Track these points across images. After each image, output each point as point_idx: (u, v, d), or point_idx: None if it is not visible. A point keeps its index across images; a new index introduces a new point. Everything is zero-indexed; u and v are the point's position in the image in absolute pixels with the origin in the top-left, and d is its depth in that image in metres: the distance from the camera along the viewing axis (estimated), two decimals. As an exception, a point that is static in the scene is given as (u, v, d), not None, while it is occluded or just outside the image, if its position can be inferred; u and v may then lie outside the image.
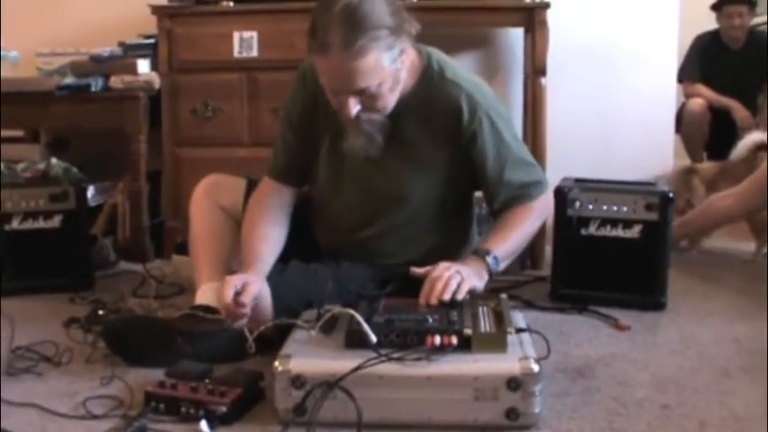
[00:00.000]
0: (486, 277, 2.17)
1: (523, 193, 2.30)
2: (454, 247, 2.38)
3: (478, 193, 2.42)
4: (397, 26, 2.06)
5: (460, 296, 2.04)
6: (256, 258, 2.21)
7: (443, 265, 2.10)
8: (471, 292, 2.08)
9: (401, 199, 2.31)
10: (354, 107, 2.10)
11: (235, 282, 2.07)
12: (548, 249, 3.08)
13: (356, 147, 2.23)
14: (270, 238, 2.29)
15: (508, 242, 2.26)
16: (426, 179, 2.30)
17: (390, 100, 2.16)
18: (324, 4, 2.04)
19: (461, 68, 2.33)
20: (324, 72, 2.08)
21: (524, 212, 2.30)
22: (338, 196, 2.38)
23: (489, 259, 2.18)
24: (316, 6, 2.06)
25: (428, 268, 2.10)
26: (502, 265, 2.23)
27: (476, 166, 2.28)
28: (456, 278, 2.05)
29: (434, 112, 2.24)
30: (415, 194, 2.31)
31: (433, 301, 2.01)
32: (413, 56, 2.22)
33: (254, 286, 2.08)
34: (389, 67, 2.07)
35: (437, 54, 2.30)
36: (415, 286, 2.14)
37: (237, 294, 2.05)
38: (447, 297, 2.01)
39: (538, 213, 2.34)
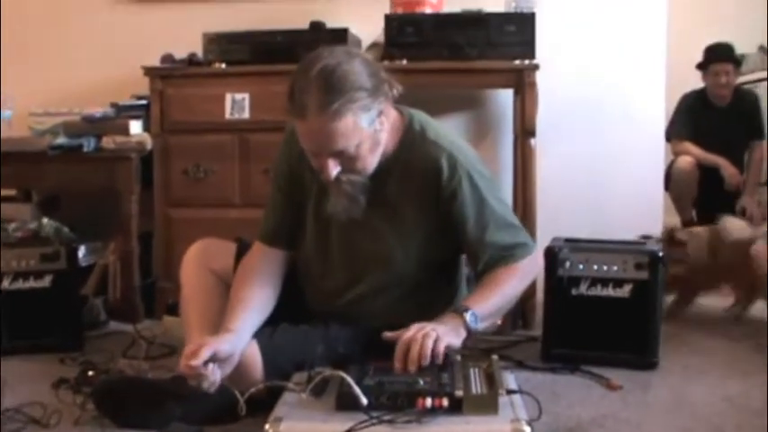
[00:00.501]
0: (463, 334, 2.13)
1: (507, 255, 2.28)
2: (442, 307, 2.34)
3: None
4: (376, 88, 2.07)
5: (439, 358, 2.01)
6: (227, 325, 2.17)
7: (416, 326, 2.07)
8: (447, 352, 2.04)
9: (385, 260, 2.31)
10: (334, 169, 2.11)
11: (189, 348, 2.05)
12: (539, 309, 3.08)
13: (338, 208, 2.24)
14: (249, 303, 2.25)
15: (489, 301, 2.23)
16: (409, 240, 2.30)
17: (370, 161, 2.16)
18: (302, 66, 2.06)
19: (444, 129, 2.34)
20: (302, 135, 2.09)
21: (507, 273, 2.27)
22: (323, 258, 2.38)
23: (467, 316, 2.14)
24: (294, 69, 2.08)
25: (400, 332, 2.07)
26: (481, 325, 2.18)
27: (456, 226, 2.27)
28: (431, 337, 2.02)
29: (415, 173, 2.24)
30: (398, 256, 2.30)
31: (411, 367, 1.99)
32: (394, 117, 2.23)
33: (205, 349, 2.01)
34: (367, 128, 2.08)
35: (419, 115, 2.31)
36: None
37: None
38: (425, 362, 1.99)
39: (522, 275, 2.31)
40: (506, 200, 2.45)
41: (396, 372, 2.00)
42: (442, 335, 2.04)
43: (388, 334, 2.08)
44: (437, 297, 2.38)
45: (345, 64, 2.03)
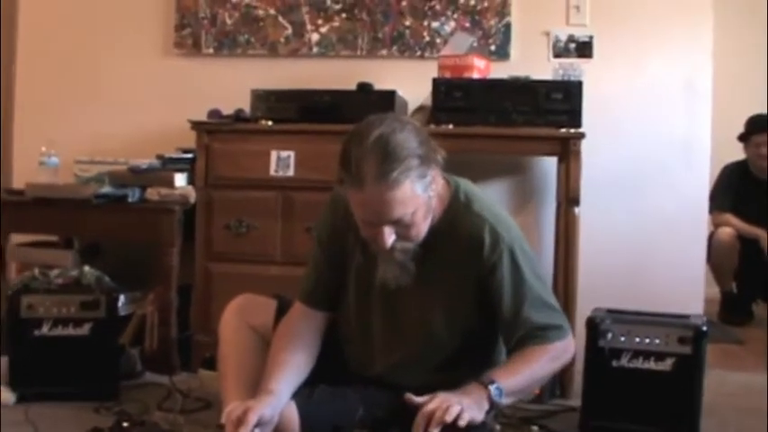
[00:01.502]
0: (485, 407, 2.06)
1: (540, 335, 2.21)
2: None
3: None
4: (427, 155, 2.07)
5: (462, 423, 1.95)
6: (267, 385, 2.17)
7: (441, 396, 2.02)
8: (469, 426, 1.99)
9: (425, 329, 2.28)
10: (390, 237, 2.09)
11: (234, 414, 2.04)
12: (577, 378, 3.04)
13: (388, 275, 2.23)
14: (289, 365, 2.24)
15: (516, 376, 2.16)
16: (450, 310, 2.27)
17: (423, 228, 2.15)
18: (355, 136, 2.06)
19: (489, 201, 2.32)
20: (358, 204, 2.08)
21: (539, 352, 2.20)
22: (364, 322, 2.36)
23: (492, 389, 2.07)
24: (346, 138, 2.08)
25: (424, 398, 2.03)
26: (506, 400, 2.12)
27: (493, 300, 2.24)
28: (455, 408, 1.97)
29: (458, 244, 2.23)
30: (438, 325, 2.28)
31: (434, 428, 1.94)
32: (441, 184, 2.22)
33: (252, 415, 2.01)
34: (423, 195, 2.07)
35: (465, 184, 2.31)
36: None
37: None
38: (449, 419, 1.94)
39: (553, 356, 2.23)
40: (546, 278, 2.42)
41: None
42: (465, 407, 1.99)
43: (410, 397, 2.05)
44: (476, 367, 2.34)
45: (399, 132, 2.03)
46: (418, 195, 2.06)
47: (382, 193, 2.01)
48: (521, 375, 2.16)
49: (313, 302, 2.38)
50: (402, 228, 2.10)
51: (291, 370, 2.24)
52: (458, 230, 2.22)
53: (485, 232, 2.20)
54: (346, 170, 2.03)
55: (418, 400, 2.03)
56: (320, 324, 2.38)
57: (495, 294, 2.23)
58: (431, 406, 1.99)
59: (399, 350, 2.31)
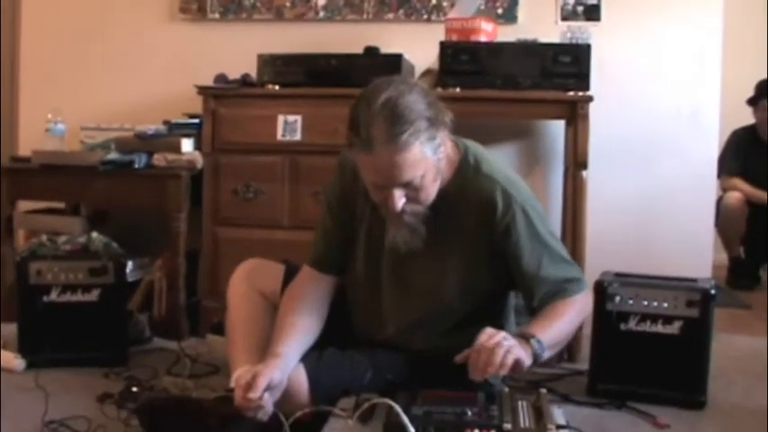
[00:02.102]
0: (528, 359, 2.03)
1: (562, 289, 2.24)
2: None
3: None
4: (436, 117, 2.07)
5: (506, 368, 1.94)
6: (275, 349, 2.17)
7: (488, 331, 2.01)
8: (515, 368, 1.97)
9: (435, 291, 2.30)
10: (400, 200, 2.09)
11: (243, 379, 2.04)
12: (585, 343, 3.04)
13: (398, 239, 2.23)
14: (297, 328, 2.25)
15: (551, 330, 2.15)
16: (459, 272, 2.28)
17: (432, 191, 2.16)
18: (364, 99, 2.06)
19: (497, 162, 2.32)
20: (368, 168, 2.08)
21: (565, 306, 2.22)
22: (373, 286, 2.37)
23: (534, 343, 2.06)
24: (354, 102, 2.07)
25: (469, 350, 2.00)
26: (546, 353, 2.10)
27: (510, 260, 2.25)
28: (502, 347, 1.96)
29: (469, 206, 2.23)
30: (448, 287, 2.29)
31: (479, 377, 1.95)
32: (449, 147, 2.22)
33: (261, 379, 2.01)
34: (432, 157, 2.08)
35: (474, 147, 2.31)
36: (452, 376, 2.13)
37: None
38: (492, 371, 1.93)
39: (579, 308, 2.27)
40: (557, 234, 2.41)
41: (474, 379, 1.97)
42: (512, 346, 1.98)
43: (459, 357, 2.01)
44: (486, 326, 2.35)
45: (408, 94, 2.03)
46: (428, 158, 2.06)
47: (392, 155, 2.00)
48: (555, 329, 2.17)
49: (321, 267, 2.39)
50: (412, 191, 2.10)
51: (300, 333, 2.24)
52: (468, 193, 2.23)
53: (496, 194, 2.20)
54: (355, 133, 2.03)
55: (463, 355, 2.00)
56: (329, 288, 2.39)
57: (512, 255, 2.24)
58: (480, 341, 1.99)
59: (410, 314, 2.32)
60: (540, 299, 2.24)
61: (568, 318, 2.22)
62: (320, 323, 2.32)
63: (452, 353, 2.08)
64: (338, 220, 2.37)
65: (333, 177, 2.40)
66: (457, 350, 2.09)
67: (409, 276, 2.30)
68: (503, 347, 1.96)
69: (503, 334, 2.01)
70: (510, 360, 1.95)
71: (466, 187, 2.23)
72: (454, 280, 2.28)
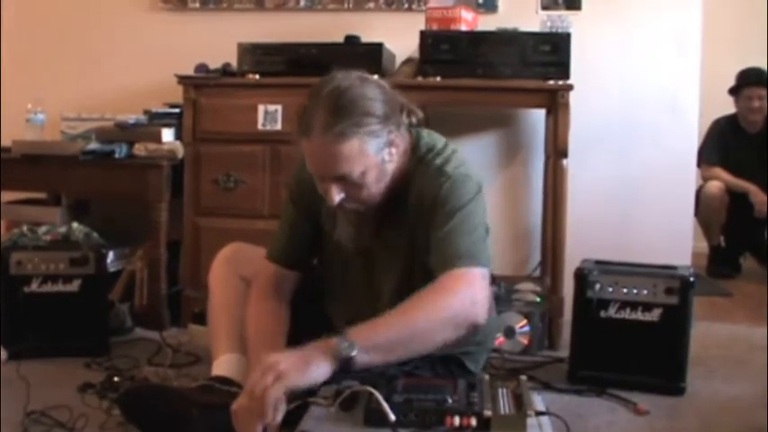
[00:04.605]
0: (322, 367, 1.83)
1: (449, 258, 2.02)
2: None
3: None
4: (387, 116, 2.03)
5: (268, 413, 1.75)
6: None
7: (263, 365, 1.81)
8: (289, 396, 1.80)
9: (400, 286, 2.20)
10: (336, 195, 2.06)
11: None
12: (566, 330, 3.06)
13: (343, 237, 2.23)
14: (278, 334, 2.19)
15: (382, 329, 1.92)
16: (414, 268, 2.19)
17: (376, 191, 2.10)
18: (314, 87, 2.05)
19: (453, 156, 2.19)
20: (307, 156, 2.05)
21: (420, 298, 1.96)
22: (342, 277, 2.35)
23: (339, 342, 1.84)
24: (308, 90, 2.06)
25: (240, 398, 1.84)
26: (365, 356, 1.86)
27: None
28: (266, 382, 1.77)
29: (419, 200, 2.15)
30: (406, 283, 2.17)
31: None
32: (404, 145, 2.15)
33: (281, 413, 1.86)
34: (374, 156, 2.03)
35: (429, 137, 2.23)
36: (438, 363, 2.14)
37: None
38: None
39: (438, 299, 1.96)
40: (488, 246, 2.15)
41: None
42: (284, 372, 1.78)
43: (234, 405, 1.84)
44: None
45: (357, 88, 2.01)
46: (369, 155, 2.02)
47: (327, 145, 1.98)
48: (390, 328, 1.93)
49: (285, 263, 2.32)
50: (351, 188, 2.06)
51: (281, 338, 2.20)
52: (417, 188, 2.16)
53: (441, 190, 2.11)
54: (299, 120, 2.02)
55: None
56: (293, 286, 2.33)
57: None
58: (252, 379, 1.81)
59: (375, 307, 2.20)
60: (432, 265, 2.07)
61: (424, 313, 1.94)
62: (288, 320, 2.26)
63: None
64: (301, 212, 2.32)
65: (297, 168, 2.33)
66: None
67: (374, 270, 2.27)
68: (266, 383, 1.77)
69: (280, 358, 1.82)
70: (270, 400, 1.75)
71: (415, 182, 2.16)
72: (406, 274, 2.19)
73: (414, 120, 2.17)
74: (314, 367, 1.82)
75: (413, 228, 2.16)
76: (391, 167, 2.11)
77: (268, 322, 2.21)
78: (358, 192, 2.07)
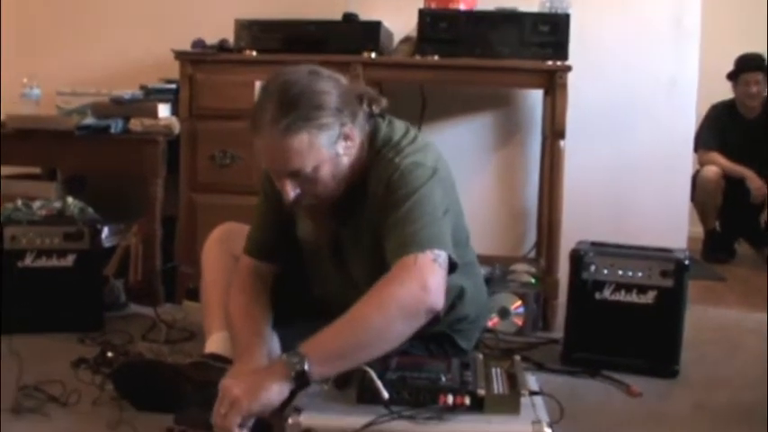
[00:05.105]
0: (273, 390, 1.81)
1: (402, 244, 1.96)
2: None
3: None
4: (340, 108, 2.00)
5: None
6: (251, 359, 2.03)
7: (221, 388, 1.84)
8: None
9: (368, 275, 2.08)
10: (291, 191, 2.02)
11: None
12: (561, 311, 3.07)
13: (305, 231, 2.22)
14: (263, 330, 2.16)
15: (336, 336, 1.88)
16: (383, 256, 2.07)
17: (332, 186, 2.06)
18: (264, 82, 2.04)
19: (411, 144, 2.12)
20: (258, 152, 2.02)
21: (375, 293, 1.90)
22: (319, 266, 2.33)
23: (292, 360, 1.82)
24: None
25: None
26: (321, 368, 1.83)
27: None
28: (219, 413, 1.80)
29: (374, 191, 2.10)
30: (378, 270, 2.02)
31: None
32: (363, 136, 2.11)
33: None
34: (327, 150, 1.99)
35: (387, 130, 2.16)
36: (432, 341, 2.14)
37: None
38: None
39: (395, 299, 1.88)
40: (447, 228, 2.06)
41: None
42: (237, 398, 1.79)
43: None
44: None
45: (305, 81, 1.98)
46: (320, 149, 1.98)
47: (276, 140, 1.95)
48: (342, 337, 1.88)
49: (261, 256, 2.30)
50: (305, 183, 2.02)
51: (264, 328, 2.17)
52: (372, 179, 2.11)
53: (394, 176, 2.05)
54: (252, 115, 2.00)
55: None
56: (271, 277, 2.29)
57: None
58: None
59: (356, 288, 2.12)
60: (386, 257, 2.00)
61: (364, 312, 1.88)
62: (270, 313, 2.23)
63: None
64: (274, 205, 2.26)
65: None
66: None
67: (345, 260, 2.23)
68: (221, 413, 1.80)
69: (236, 384, 1.83)
70: (230, 424, 1.78)
71: (371, 178, 2.11)
72: (374, 266, 2.07)
73: (376, 108, 2.13)
74: (264, 392, 1.81)
75: (371, 220, 2.10)
76: (347, 160, 2.06)
77: (249, 316, 2.17)
78: (313, 186, 2.04)
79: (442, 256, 1.95)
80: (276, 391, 1.81)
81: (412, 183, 2.03)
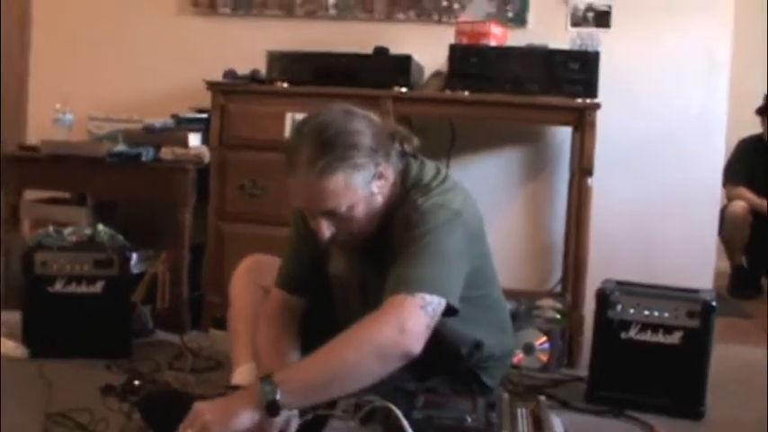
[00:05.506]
0: (244, 416, 1.81)
1: (396, 286, 1.95)
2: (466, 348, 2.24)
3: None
4: (375, 148, 2.01)
5: None
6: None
7: (193, 410, 1.86)
8: None
9: None
10: (327, 230, 2.04)
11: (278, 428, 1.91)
12: (586, 348, 3.06)
13: (339, 268, 2.23)
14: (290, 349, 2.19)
15: (310, 368, 1.89)
16: None
17: (365, 224, 2.08)
18: (300, 122, 2.05)
19: (433, 189, 2.12)
20: (294, 193, 2.04)
21: (355, 330, 1.89)
22: (342, 308, 2.33)
23: (264, 388, 1.82)
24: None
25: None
26: (291, 399, 1.83)
27: None
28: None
29: (397, 231, 2.09)
30: None
31: None
32: (396, 175, 2.12)
33: (293, 428, 1.95)
34: (363, 189, 2.01)
35: (417, 171, 2.16)
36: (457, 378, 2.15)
37: None
38: None
39: (372, 338, 1.87)
40: (450, 276, 2.02)
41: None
42: (208, 422, 1.80)
43: None
44: (457, 339, 2.23)
45: (341, 121, 1.99)
46: (355, 189, 2.00)
47: (311, 181, 1.96)
48: (317, 368, 1.88)
49: (291, 288, 2.31)
50: (340, 222, 2.04)
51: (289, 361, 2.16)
52: (398, 225, 2.10)
53: (412, 219, 2.05)
54: (286, 156, 2.01)
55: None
56: (299, 311, 2.31)
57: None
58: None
59: None
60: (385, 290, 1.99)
61: (340, 347, 1.88)
62: (298, 346, 2.23)
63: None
64: (305, 240, 2.27)
65: None
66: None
67: (365, 302, 2.17)
68: None
69: (206, 408, 1.85)
70: None
71: (397, 216, 2.11)
72: None
73: (408, 147, 2.15)
74: (235, 418, 1.81)
75: (392, 258, 2.07)
76: (381, 199, 2.08)
77: (277, 348, 2.18)
78: (348, 225, 2.06)
79: (435, 302, 1.93)
80: (246, 418, 1.81)
81: (428, 224, 2.03)
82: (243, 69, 3.65)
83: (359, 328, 1.89)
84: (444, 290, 1.96)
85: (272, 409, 1.81)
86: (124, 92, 4.12)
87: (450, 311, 1.98)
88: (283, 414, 1.86)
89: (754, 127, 5.35)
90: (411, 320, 1.88)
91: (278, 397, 1.80)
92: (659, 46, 3.84)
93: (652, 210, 3.84)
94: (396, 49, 3.59)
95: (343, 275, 2.28)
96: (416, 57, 3.55)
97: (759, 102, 5.28)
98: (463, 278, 2.06)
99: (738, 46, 3.94)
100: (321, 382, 1.87)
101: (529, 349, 3.17)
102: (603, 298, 2.79)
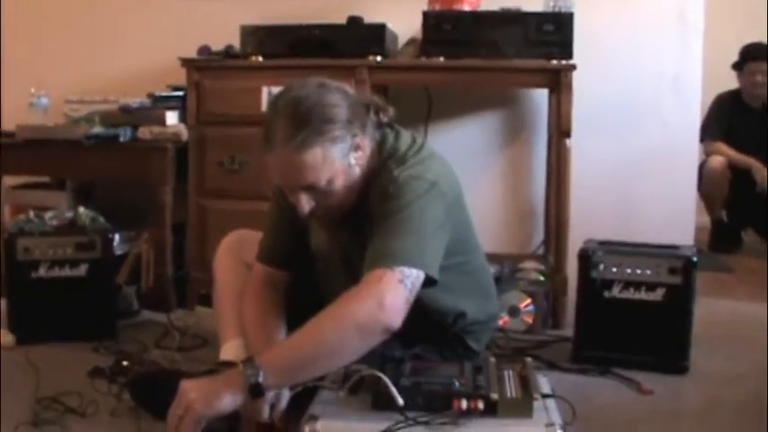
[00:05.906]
0: (226, 399, 1.82)
1: (376, 259, 1.96)
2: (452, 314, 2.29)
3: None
4: (350, 120, 2.01)
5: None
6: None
7: (178, 393, 1.87)
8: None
9: None
10: (306, 204, 2.04)
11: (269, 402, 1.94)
12: (570, 309, 3.08)
13: (319, 242, 2.23)
14: (274, 324, 2.21)
15: (292, 348, 1.91)
16: None
17: (345, 197, 2.08)
18: (274, 98, 2.05)
19: (408, 159, 2.12)
20: (272, 169, 2.03)
21: (334, 307, 1.89)
22: (325, 279, 2.34)
23: (246, 371, 1.83)
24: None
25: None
26: (275, 379, 1.84)
27: None
28: (174, 415, 1.83)
29: (373, 202, 2.10)
30: None
31: None
32: (373, 145, 2.13)
33: (284, 400, 1.99)
34: (341, 162, 2.01)
35: (393, 142, 2.17)
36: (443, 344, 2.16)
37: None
38: None
39: (351, 315, 1.87)
40: (429, 248, 2.02)
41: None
42: (191, 402, 1.82)
43: None
44: (441, 308, 2.27)
45: (315, 95, 1.99)
46: (333, 162, 1.99)
47: (289, 156, 1.96)
48: (295, 345, 1.91)
49: (273, 263, 2.32)
50: (320, 195, 2.04)
51: (276, 334, 2.19)
52: (374, 190, 2.11)
53: (389, 189, 2.06)
54: (262, 132, 2.00)
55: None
56: (283, 284, 2.32)
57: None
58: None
59: None
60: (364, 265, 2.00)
61: (320, 326, 1.88)
62: (284, 321, 2.26)
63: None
64: (286, 214, 2.26)
65: None
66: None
67: (349, 272, 2.19)
68: (176, 415, 1.83)
69: (192, 387, 1.85)
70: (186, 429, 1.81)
71: (374, 187, 2.12)
72: None
73: (384, 117, 2.15)
74: (217, 400, 1.82)
75: (371, 230, 2.09)
76: (359, 170, 2.08)
77: (263, 324, 2.20)
78: (327, 199, 2.06)
79: (414, 275, 1.93)
80: (229, 400, 1.82)
81: (404, 196, 2.03)
82: (217, 45, 3.63)
83: (338, 306, 1.89)
84: (423, 262, 1.97)
85: (255, 391, 1.82)
86: (99, 73, 4.10)
87: (429, 282, 1.99)
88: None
89: (729, 85, 5.37)
90: (390, 295, 1.88)
91: (260, 379, 1.81)
92: (632, 7, 3.83)
93: (630, 169, 3.85)
94: (369, 18, 3.57)
95: (324, 249, 2.29)
96: (390, 25, 3.54)
97: (734, 57, 5.29)
98: (442, 249, 2.07)
99: (711, 4, 3.94)
100: (304, 362, 1.88)
101: (514, 312, 3.19)
102: (586, 258, 2.80)
